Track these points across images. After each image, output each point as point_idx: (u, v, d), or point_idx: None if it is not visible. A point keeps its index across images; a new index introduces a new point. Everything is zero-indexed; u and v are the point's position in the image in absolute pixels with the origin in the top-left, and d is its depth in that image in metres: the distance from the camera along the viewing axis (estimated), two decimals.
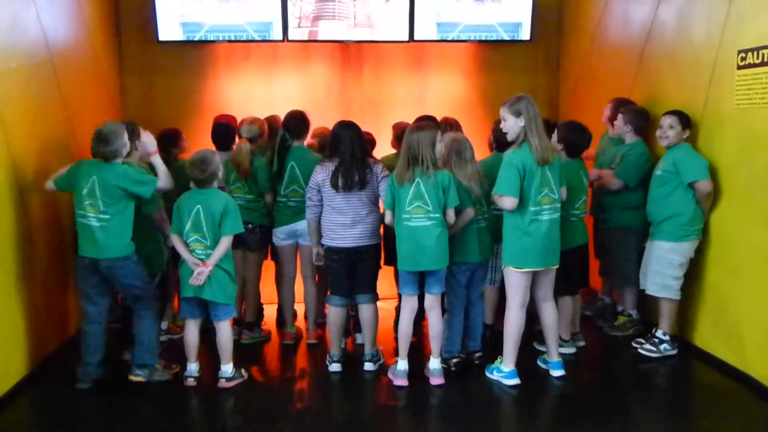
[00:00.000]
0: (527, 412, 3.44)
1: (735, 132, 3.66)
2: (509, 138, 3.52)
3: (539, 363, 3.84)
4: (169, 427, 3.29)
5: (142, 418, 3.34)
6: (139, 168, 3.61)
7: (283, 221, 4.19)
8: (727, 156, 3.73)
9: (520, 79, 5.60)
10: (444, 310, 3.72)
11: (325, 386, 3.76)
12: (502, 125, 3.54)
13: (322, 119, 4.70)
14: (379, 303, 3.88)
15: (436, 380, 3.60)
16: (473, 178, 3.63)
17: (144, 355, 3.55)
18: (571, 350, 4.04)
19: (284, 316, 4.44)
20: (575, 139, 3.92)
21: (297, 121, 4.17)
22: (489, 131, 4.33)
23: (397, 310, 4.34)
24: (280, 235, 4.23)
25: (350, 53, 5.59)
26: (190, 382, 3.62)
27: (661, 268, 3.90)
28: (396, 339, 3.92)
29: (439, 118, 4.35)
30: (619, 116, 4.27)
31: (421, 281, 3.62)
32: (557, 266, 3.60)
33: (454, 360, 3.78)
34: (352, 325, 4.21)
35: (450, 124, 4.30)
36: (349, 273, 3.78)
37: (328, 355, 3.91)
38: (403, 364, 3.61)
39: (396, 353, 3.77)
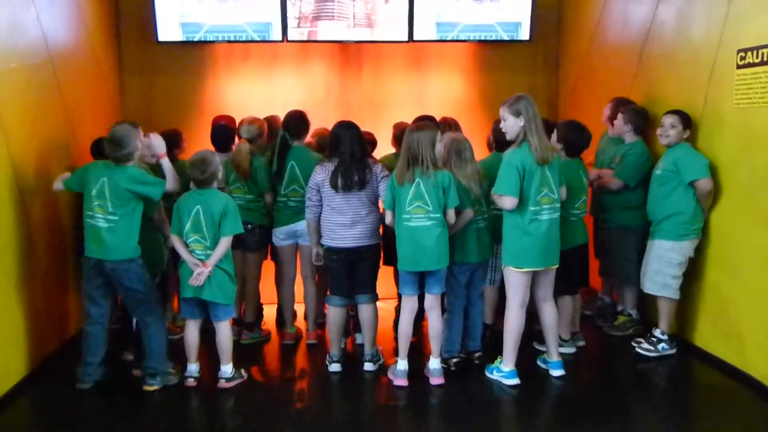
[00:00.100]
0: (527, 411, 3.44)
1: (735, 131, 3.65)
2: (508, 137, 3.52)
3: (539, 363, 3.84)
4: (169, 427, 3.29)
5: (142, 419, 3.33)
6: (140, 168, 3.61)
7: (283, 221, 4.19)
8: (727, 155, 3.73)
9: (520, 78, 5.60)
10: (444, 310, 3.72)
11: (325, 386, 3.76)
12: (501, 125, 3.54)
13: (321, 119, 4.71)
14: (378, 303, 3.88)
15: (436, 380, 3.60)
16: (473, 178, 3.63)
17: (155, 363, 3.54)
18: (571, 350, 4.04)
19: (284, 316, 4.44)
20: (575, 138, 3.92)
21: (297, 121, 4.17)
22: (488, 131, 4.33)
23: (397, 310, 4.35)
24: (280, 236, 4.23)
25: (350, 53, 5.59)
26: (190, 382, 3.62)
27: (661, 267, 3.90)
28: (396, 339, 3.92)
29: (438, 118, 4.35)
30: (619, 116, 4.27)
31: (421, 281, 3.62)
32: (557, 266, 3.60)
33: (454, 360, 3.78)
34: (351, 325, 4.21)
35: (449, 124, 4.30)
36: (348, 273, 3.78)
37: (327, 355, 3.91)
38: (403, 364, 3.61)
39: (396, 353, 3.77)
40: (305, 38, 5.32)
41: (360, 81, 5.62)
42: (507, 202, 3.45)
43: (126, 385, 3.61)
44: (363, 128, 3.88)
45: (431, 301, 3.61)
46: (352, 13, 5.30)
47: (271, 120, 4.53)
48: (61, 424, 3.29)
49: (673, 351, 3.95)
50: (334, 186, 3.66)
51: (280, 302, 4.51)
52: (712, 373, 3.78)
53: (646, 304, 4.31)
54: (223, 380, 3.61)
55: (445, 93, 5.65)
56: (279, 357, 4.24)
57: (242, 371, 3.73)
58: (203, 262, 3.47)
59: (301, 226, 4.08)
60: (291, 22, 5.23)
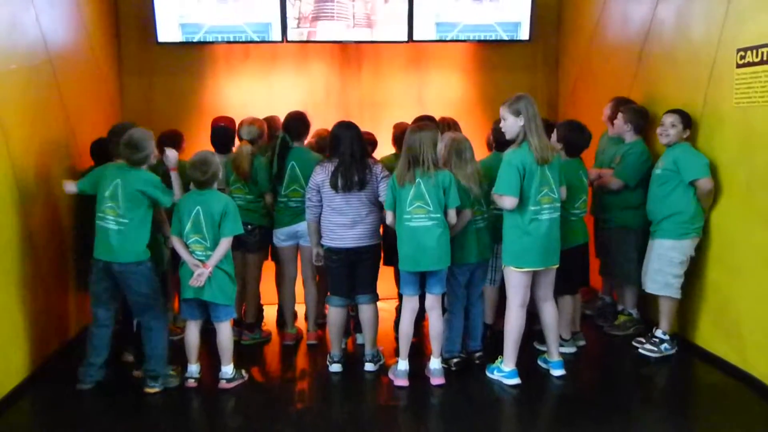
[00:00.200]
0: (528, 411, 3.44)
1: (734, 130, 3.65)
2: (508, 137, 3.52)
3: (540, 362, 3.84)
4: (170, 428, 3.30)
5: (142, 420, 3.33)
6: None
7: (283, 222, 4.19)
8: (727, 154, 3.73)
9: (519, 78, 5.60)
10: (444, 310, 3.72)
11: (326, 387, 3.76)
12: (501, 124, 3.54)
13: (321, 120, 4.70)
14: (379, 303, 3.88)
15: (437, 380, 3.60)
16: (473, 178, 3.63)
17: (156, 366, 3.54)
18: (572, 350, 4.04)
19: (284, 316, 4.44)
20: (575, 138, 3.92)
21: (297, 122, 4.17)
22: (488, 131, 4.33)
23: (398, 310, 4.35)
24: (281, 236, 4.23)
25: (349, 54, 5.59)
26: (191, 383, 3.62)
27: (662, 266, 3.90)
28: (396, 339, 3.92)
29: (437, 118, 4.35)
30: (619, 115, 4.27)
31: (422, 281, 3.62)
32: (557, 266, 3.60)
33: (455, 360, 3.78)
34: (352, 326, 4.21)
35: (448, 124, 4.30)
36: (349, 273, 3.78)
37: (328, 356, 3.91)
38: (403, 364, 3.61)
39: (396, 353, 3.77)
40: (305, 38, 5.32)
41: (360, 81, 5.62)
42: (507, 201, 3.45)
43: (126, 386, 3.61)
44: (363, 128, 3.87)
45: (432, 301, 3.61)
46: (352, 13, 5.30)
47: (270, 120, 4.53)
48: (62, 425, 3.29)
49: (674, 351, 3.95)
50: (334, 186, 3.66)
51: (281, 303, 4.51)
52: (712, 373, 3.78)
53: (647, 303, 4.31)
54: (224, 381, 3.61)
55: (445, 93, 5.64)
56: (279, 357, 4.24)
57: (243, 372, 3.73)
58: (203, 262, 3.47)
59: (302, 227, 4.07)
60: (290, 23, 5.23)
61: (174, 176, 3.63)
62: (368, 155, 3.90)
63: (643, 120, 4.22)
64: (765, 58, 3.39)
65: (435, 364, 3.62)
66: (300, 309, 4.50)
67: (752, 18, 3.50)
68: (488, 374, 3.70)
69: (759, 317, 3.49)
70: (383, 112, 5.42)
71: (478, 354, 3.89)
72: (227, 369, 3.63)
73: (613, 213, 4.25)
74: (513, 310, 3.57)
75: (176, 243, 3.53)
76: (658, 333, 3.96)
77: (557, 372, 3.69)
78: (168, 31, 5.18)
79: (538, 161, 3.41)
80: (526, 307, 3.60)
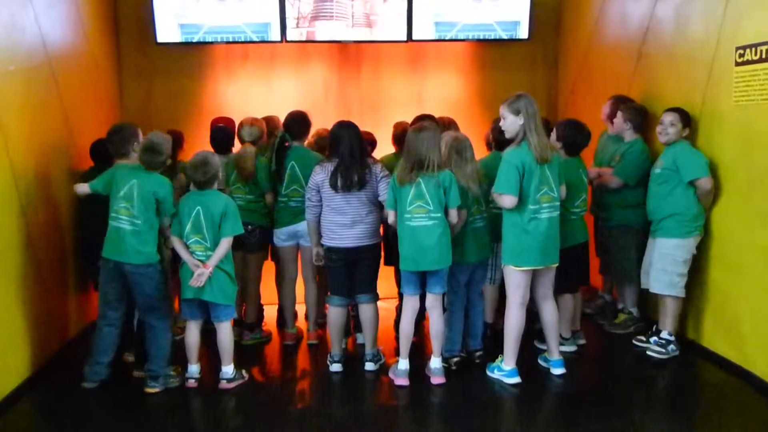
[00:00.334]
0: (528, 410, 3.44)
1: (734, 129, 3.65)
2: (508, 136, 3.52)
3: (540, 361, 3.84)
4: (171, 428, 3.30)
5: (143, 420, 3.33)
6: None
7: (284, 222, 4.19)
8: (726, 153, 3.73)
9: (519, 77, 5.60)
10: (444, 309, 3.72)
11: (326, 386, 3.76)
12: (501, 123, 3.54)
13: (320, 120, 4.70)
14: (379, 303, 3.88)
15: (437, 379, 3.60)
16: (472, 177, 3.62)
17: (157, 367, 3.55)
18: (572, 348, 4.04)
19: (285, 316, 4.44)
20: (574, 137, 3.92)
21: (298, 122, 4.18)
22: (487, 130, 4.33)
23: (398, 309, 4.35)
24: (281, 236, 4.23)
25: (348, 53, 5.59)
26: (191, 383, 3.62)
27: (666, 265, 3.88)
28: (396, 339, 3.92)
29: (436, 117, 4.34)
30: (619, 114, 4.27)
31: (422, 280, 3.62)
32: (557, 264, 3.60)
33: (455, 359, 3.78)
34: (352, 325, 4.21)
35: (446, 124, 4.29)
36: (349, 273, 3.78)
37: (329, 356, 3.91)
38: (404, 364, 3.61)
39: (396, 353, 3.77)
40: (304, 38, 5.32)
41: (359, 81, 5.62)
42: (507, 200, 3.45)
43: (127, 386, 3.61)
44: (362, 128, 3.88)
45: (432, 301, 3.61)
46: (351, 13, 5.30)
47: (269, 120, 4.53)
48: (63, 426, 3.29)
49: (678, 351, 3.94)
50: (333, 186, 3.66)
51: (281, 303, 4.51)
52: (713, 371, 3.78)
53: (647, 301, 4.31)
54: (225, 381, 3.61)
55: (445, 92, 5.65)
56: (280, 357, 4.24)
57: (243, 372, 3.73)
58: (204, 263, 3.48)
59: (302, 227, 4.07)
60: (290, 23, 5.24)
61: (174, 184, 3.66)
62: (368, 155, 3.90)
63: (642, 119, 4.22)
64: (764, 56, 3.39)
65: (435, 363, 3.62)
66: (300, 309, 4.50)
67: (751, 16, 3.50)
68: (488, 373, 3.70)
69: (759, 315, 3.50)
70: (383, 112, 5.42)
71: (478, 353, 3.89)
72: (228, 369, 3.63)
73: (613, 211, 4.25)
74: (513, 309, 3.57)
75: (176, 243, 3.53)
76: (664, 334, 3.91)
77: (557, 371, 3.69)
78: (167, 31, 5.18)
79: (538, 160, 3.42)
80: (527, 306, 3.61)
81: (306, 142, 4.34)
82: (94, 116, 4.74)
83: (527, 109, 3.40)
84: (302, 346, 4.33)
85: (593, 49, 5.22)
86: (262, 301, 4.54)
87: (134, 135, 3.71)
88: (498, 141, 3.95)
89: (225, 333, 3.62)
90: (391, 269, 4.31)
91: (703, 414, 3.41)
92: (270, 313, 4.72)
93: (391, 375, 3.69)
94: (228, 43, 5.31)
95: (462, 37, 5.44)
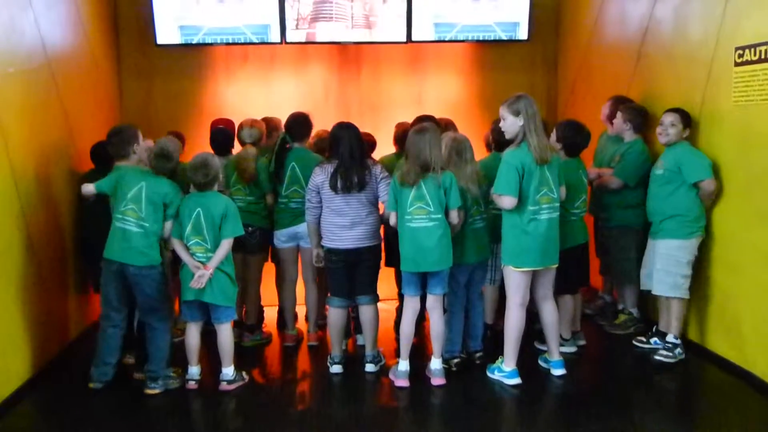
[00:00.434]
0: (529, 411, 3.44)
1: (733, 129, 3.66)
2: (508, 137, 3.52)
3: (540, 362, 3.84)
4: (171, 430, 3.30)
5: (144, 422, 3.33)
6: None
7: (284, 224, 4.19)
8: (726, 153, 3.73)
9: (518, 78, 5.60)
10: (444, 310, 3.72)
11: (327, 388, 3.76)
12: (501, 124, 3.54)
13: (320, 121, 4.70)
14: (379, 304, 3.88)
15: (438, 381, 3.60)
16: (471, 178, 3.62)
17: (157, 368, 3.55)
18: (572, 349, 4.04)
19: (285, 318, 4.43)
20: (574, 138, 3.91)
21: (299, 124, 4.18)
22: (487, 131, 4.33)
23: (398, 311, 4.35)
24: (282, 238, 4.23)
25: (348, 54, 5.59)
26: (192, 385, 3.62)
27: (669, 267, 3.84)
28: (397, 340, 3.92)
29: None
30: (618, 114, 4.27)
31: (422, 281, 3.62)
32: (557, 265, 3.60)
33: (455, 360, 3.78)
34: (353, 327, 4.21)
35: (446, 125, 4.29)
36: (349, 274, 3.78)
37: (329, 357, 3.91)
38: (404, 365, 3.61)
39: (397, 354, 3.77)
40: (304, 40, 5.33)
41: (359, 82, 5.62)
42: (506, 201, 3.45)
43: (128, 388, 3.61)
44: (362, 129, 3.88)
45: (433, 302, 3.61)
46: (350, 14, 5.31)
47: (268, 121, 4.53)
48: (63, 427, 3.29)
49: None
50: (333, 188, 3.66)
51: (281, 304, 4.51)
52: (713, 371, 3.78)
53: (647, 302, 4.31)
54: (225, 383, 3.61)
55: (444, 93, 5.65)
56: (280, 359, 4.24)
57: (243, 373, 3.73)
58: (204, 264, 3.48)
59: (302, 228, 4.07)
60: (289, 24, 5.24)
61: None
62: (368, 156, 3.90)
63: (642, 119, 4.22)
64: (763, 57, 3.39)
65: (436, 364, 3.62)
66: (300, 310, 4.50)
67: (750, 16, 3.50)
68: (489, 374, 3.70)
69: (759, 315, 3.50)
70: (382, 113, 5.42)
71: (478, 354, 3.89)
72: (228, 371, 3.63)
73: (613, 212, 4.25)
74: (513, 310, 3.57)
75: (177, 245, 3.53)
76: (670, 338, 3.85)
77: (558, 371, 3.69)
78: (167, 33, 5.18)
79: (537, 161, 3.42)
80: (527, 307, 3.61)
81: (306, 144, 4.34)
82: (94, 117, 4.74)
83: (527, 110, 3.40)
84: (302, 348, 4.33)
85: (593, 50, 5.23)
86: (262, 303, 4.54)
87: (134, 137, 3.72)
88: (498, 142, 3.95)
89: (225, 335, 3.62)
90: (391, 270, 4.30)
91: (703, 414, 3.41)
92: (270, 314, 4.72)
93: (391, 376, 3.69)
94: (228, 44, 5.31)
95: (461, 38, 5.44)
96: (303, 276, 4.33)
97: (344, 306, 3.85)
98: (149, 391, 3.52)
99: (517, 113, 3.42)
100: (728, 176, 3.72)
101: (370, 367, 3.82)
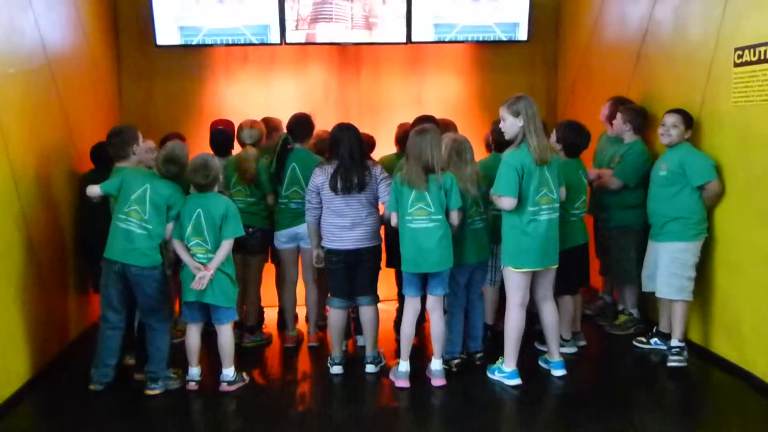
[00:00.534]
0: (529, 412, 3.44)
1: (733, 130, 3.66)
2: (507, 137, 3.53)
3: (540, 363, 3.84)
4: (171, 430, 3.30)
5: (144, 423, 3.33)
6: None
7: (284, 224, 4.19)
8: (725, 154, 3.73)
9: (518, 79, 5.60)
10: (444, 311, 3.72)
11: (327, 389, 3.76)
12: (501, 125, 3.55)
13: (320, 122, 4.69)
14: (379, 305, 3.88)
15: (438, 381, 3.60)
16: (471, 179, 3.62)
17: (157, 368, 3.55)
18: (572, 350, 4.04)
19: (285, 319, 4.43)
20: (574, 138, 3.92)
21: (301, 124, 4.18)
22: (487, 132, 4.34)
23: (398, 311, 4.35)
24: (282, 239, 4.23)
25: (348, 55, 5.59)
26: (192, 386, 3.62)
27: (676, 269, 3.79)
28: (397, 340, 3.92)
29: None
30: (618, 115, 4.27)
31: (423, 282, 3.62)
32: (556, 266, 3.60)
33: (456, 361, 3.78)
34: (353, 328, 4.21)
35: (446, 126, 4.29)
36: (349, 275, 3.78)
37: (329, 358, 3.91)
38: (404, 366, 3.61)
39: (397, 355, 3.77)
40: (303, 41, 5.33)
41: (358, 83, 5.63)
42: (506, 202, 3.46)
43: (128, 389, 3.61)
44: (362, 130, 3.88)
45: (433, 302, 3.61)
46: (350, 15, 5.31)
47: (268, 121, 4.53)
48: (63, 428, 3.29)
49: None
50: (333, 188, 3.66)
51: (282, 305, 4.51)
52: (713, 371, 3.78)
53: (647, 303, 4.32)
54: (225, 383, 3.61)
55: (444, 94, 5.65)
56: (280, 360, 4.24)
57: (244, 374, 3.73)
58: (205, 265, 3.48)
59: (302, 229, 4.07)
60: (289, 25, 5.24)
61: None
62: (367, 157, 3.90)
63: (642, 120, 4.22)
64: (762, 57, 3.39)
65: (436, 365, 3.62)
66: (301, 311, 4.50)
67: (749, 17, 3.51)
68: (489, 375, 3.70)
69: (759, 315, 3.50)
70: (382, 114, 5.42)
71: (478, 355, 3.89)
72: (228, 372, 3.63)
73: (613, 213, 4.25)
74: (512, 311, 3.57)
75: (177, 246, 3.53)
76: (675, 342, 3.78)
77: (558, 372, 3.69)
78: (167, 34, 5.18)
79: (537, 162, 3.42)
80: (527, 308, 3.61)
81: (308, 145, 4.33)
82: (94, 118, 4.74)
83: (527, 111, 3.40)
84: (303, 349, 4.33)
85: (592, 51, 5.23)
86: (262, 304, 4.54)
87: (134, 137, 3.72)
88: (497, 142, 3.96)
89: (226, 335, 3.62)
90: (391, 271, 4.30)
91: (703, 415, 3.41)
92: (270, 315, 4.72)
93: (391, 377, 3.69)
94: (227, 45, 5.31)
95: (461, 39, 5.45)
96: (303, 277, 4.33)
97: (344, 307, 3.84)
98: (149, 392, 3.52)
99: (516, 114, 3.42)
100: (728, 177, 3.72)
101: (370, 368, 3.82)
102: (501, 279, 3.81)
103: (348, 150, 3.66)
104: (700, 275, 3.91)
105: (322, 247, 3.82)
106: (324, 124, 4.43)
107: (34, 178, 3.75)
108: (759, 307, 3.49)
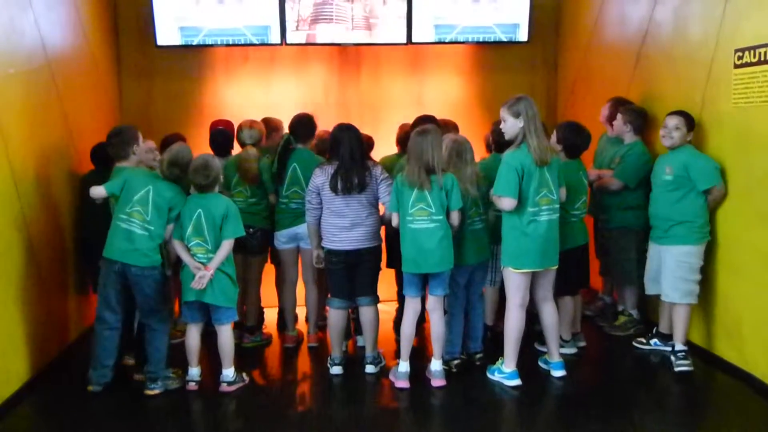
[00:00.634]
0: (529, 412, 3.44)
1: (733, 131, 3.66)
2: (508, 138, 3.53)
3: (540, 363, 3.84)
4: (171, 431, 3.30)
5: (144, 423, 3.33)
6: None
7: (284, 224, 4.19)
8: (725, 155, 3.73)
9: (518, 80, 5.60)
10: (444, 312, 3.72)
11: (327, 389, 3.76)
12: (501, 126, 3.55)
13: (320, 122, 4.69)
14: (379, 305, 3.88)
15: (438, 382, 3.60)
16: (471, 180, 3.62)
17: (156, 368, 3.55)
18: (572, 350, 4.04)
19: (285, 319, 4.43)
20: (574, 139, 3.91)
21: (303, 125, 4.18)
22: (487, 132, 4.34)
23: (397, 311, 4.35)
24: (282, 239, 4.23)
25: (348, 56, 5.60)
26: (192, 386, 3.62)
27: (684, 273, 3.75)
28: (397, 341, 3.92)
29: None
30: (619, 116, 4.27)
31: (423, 282, 3.62)
32: (556, 266, 3.60)
33: (455, 361, 3.78)
34: (353, 328, 4.21)
35: (447, 127, 4.30)
36: (349, 275, 3.78)
37: (329, 358, 3.91)
38: (404, 366, 3.61)
39: (397, 355, 3.77)
40: (304, 41, 5.33)
41: (359, 83, 5.63)
42: (506, 203, 3.46)
43: (128, 389, 3.61)
44: (362, 131, 3.88)
45: (434, 303, 3.61)
46: (351, 15, 5.31)
47: (268, 121, 4.53)
48: (63, 429, 3.29)
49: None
50: (333, 189, 3.66)
51: (282, 305, 4.51)
52: (713, 372, 3.78)
53: (647, 303, 4.32)
54: (225, 384, 3.61)
55: (444, 95, 5.65)
56: (280, 360, 4.24)
57: (244, 375, 3.73)
58: (205, 265, 3.48)
59: (302, 229, 4.07)
60: (290, 25, 5.24)
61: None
62: (368, 157, 3.90)
63: (642, 120, 4.22)
64: (762, 59, 3.39)
65: (436, 365, 3.62)
66: (301, 311, 4.50)
67: (749, 18, 3.51)
68: (489, 375, 3.70)
69: (759, 317, 3.50)
70: (383, 114, 5.42)
71: (478, 355, 3.89)
72: (228, 372, 3.63)
73: (613, 213, 4.25)
74: (512, 311, 3.57)
75: (178, 246, 3.53)
76: (680, 346, 3.75)
77: (558, 373, 3.69)
78: (167, 34, 5.18)
79: (537, 163, 3.42)
80: (527, 308, 3.61)
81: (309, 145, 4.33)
82: (94, 118, 4.74)
83: (527, 112, 3.40)
84: (302, 349, 4.33)
85: (592, 51, 5.23)
86: (262, 304, 4.54)
87: (134, 138, 3.72)
88: (498, 143, 3.96)
89: (226, 336, 3.62)
90: (391, 271, 4.30)
91: (703, 416, 3.41)
92: (270, 315, 4.72)
93: (391, 377, 3.69)
94: (228, 45, 5.31)
95: (461, 40, 5.45)
96: (303, 277, 4.33)
97: (344, 307, 3.85)
98: (149, 392, 3.52)
99: (517, 115, 3.42)
100: (728, 178, 3.71)
101: (370, 369, 3.82)
102: (501, 280, 3.81)
103: (348, 150, 3.66)
104: (702, 277, 3.92)
105: (322, 248, 3.82)
106: (324, 124, 4.43)
107: (34, 178, 3.75)
108: (759, 308, 3.49)
